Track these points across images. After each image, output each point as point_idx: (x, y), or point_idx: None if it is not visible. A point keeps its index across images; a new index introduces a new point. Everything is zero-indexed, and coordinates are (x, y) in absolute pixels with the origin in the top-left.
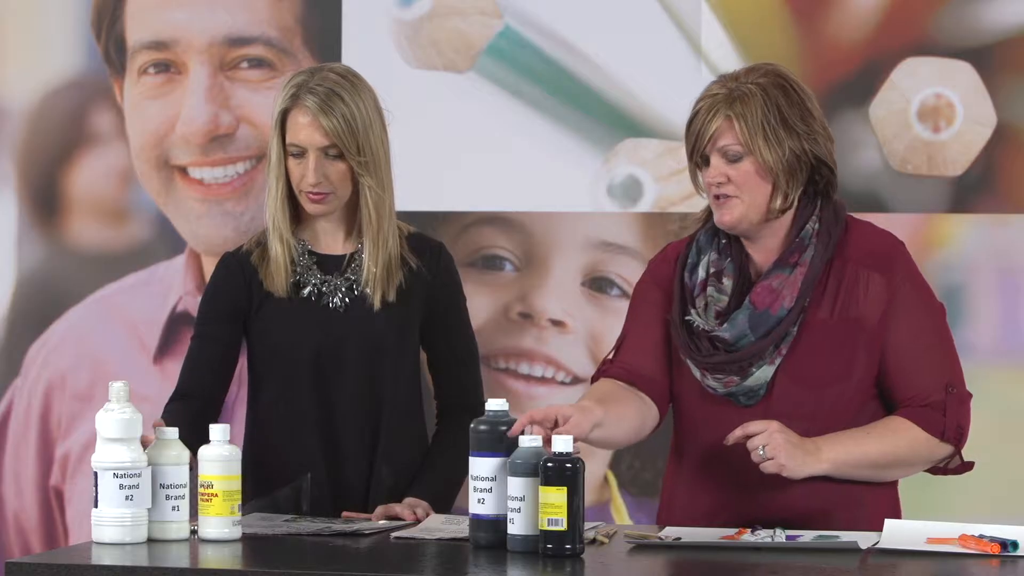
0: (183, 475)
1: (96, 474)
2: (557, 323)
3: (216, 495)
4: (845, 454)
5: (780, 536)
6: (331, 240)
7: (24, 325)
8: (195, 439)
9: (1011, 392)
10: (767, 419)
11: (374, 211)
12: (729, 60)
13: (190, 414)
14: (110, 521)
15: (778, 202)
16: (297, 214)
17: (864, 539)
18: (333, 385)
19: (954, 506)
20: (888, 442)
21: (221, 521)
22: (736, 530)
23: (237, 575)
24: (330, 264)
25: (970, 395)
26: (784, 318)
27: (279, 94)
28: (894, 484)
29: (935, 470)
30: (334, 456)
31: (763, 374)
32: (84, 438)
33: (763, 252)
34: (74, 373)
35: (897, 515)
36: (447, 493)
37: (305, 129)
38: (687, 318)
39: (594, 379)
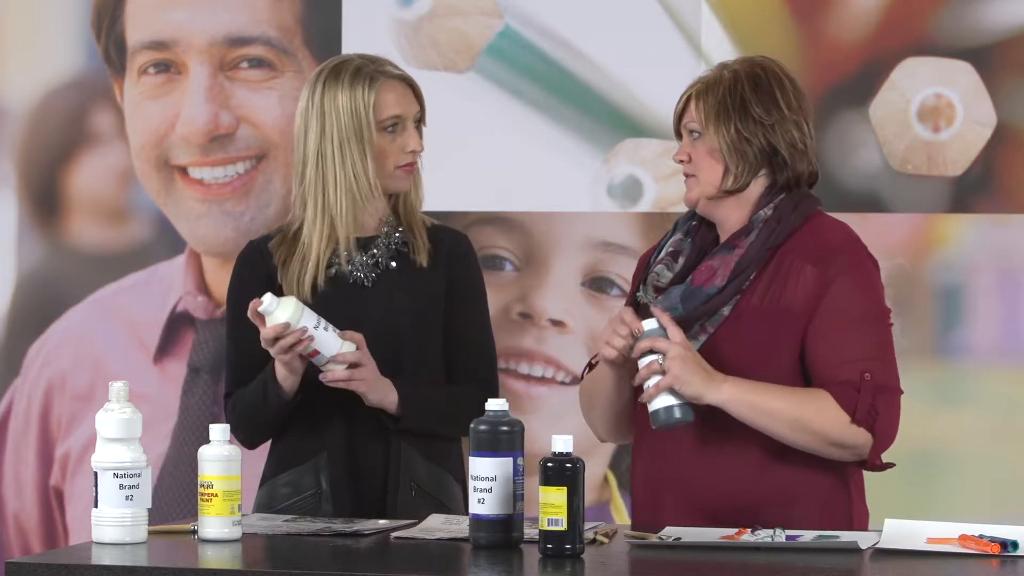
0: (312, 318)
1: (96, 474)
2: (557, 323)
3: (216, 495)
4: (750, 391)
5: (780, 536)
6: (369, 220)
7: (24, 325)
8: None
9: (1011, 392)
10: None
11: (420, 175)
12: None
13: None
14: (110, 521)
15: (729, 182)
16: None
17: (864, 539)
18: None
19: (954, 506)
20: (794, 400)
21: (221, 521)
22: (736, 530)
23: (237, 575)
24: (358, 244)
25: (897, 391)
26: (714, 296)
27: (342, 84)
28: (839, 485)
29: (860, 465)
30: (354, 433)
31: None
32: (84, 438)
33: (728, 236)
34: (74, 373)
35: (852, 517)
36: (420, 401)
37: (402, 99)
38: (638, 294)
39: (580, 378)
